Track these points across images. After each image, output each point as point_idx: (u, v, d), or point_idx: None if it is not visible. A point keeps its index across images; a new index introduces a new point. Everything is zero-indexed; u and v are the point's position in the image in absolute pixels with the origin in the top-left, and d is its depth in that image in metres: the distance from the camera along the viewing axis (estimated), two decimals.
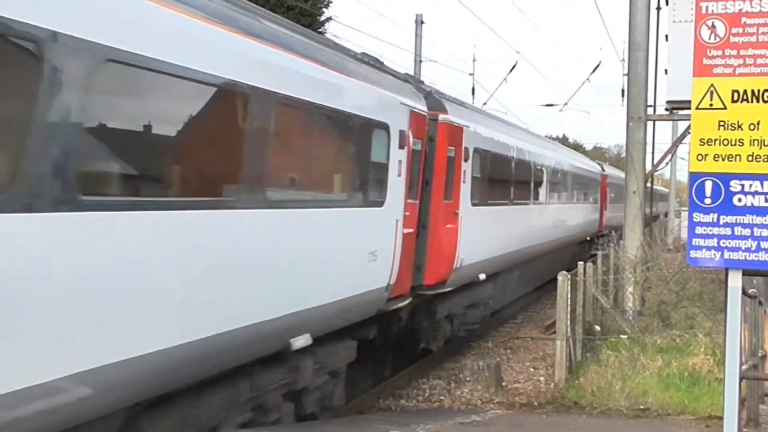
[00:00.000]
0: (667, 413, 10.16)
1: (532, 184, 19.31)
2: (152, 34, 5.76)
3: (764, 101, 5.59)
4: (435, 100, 12.83)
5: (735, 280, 5.72)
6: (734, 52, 5.67)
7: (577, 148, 61.52)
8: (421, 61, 30.95)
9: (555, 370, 12.16)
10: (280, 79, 7.53)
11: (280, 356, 7.96)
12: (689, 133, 6.28)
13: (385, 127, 10.13)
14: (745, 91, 5.62)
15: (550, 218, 21.75)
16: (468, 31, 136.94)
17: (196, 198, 6.43)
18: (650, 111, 17.78)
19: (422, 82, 14.41)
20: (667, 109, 17.51)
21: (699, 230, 5.69)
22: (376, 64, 11.48)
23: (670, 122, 25.08)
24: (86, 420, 5.34)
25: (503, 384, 12.56)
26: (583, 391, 11.02)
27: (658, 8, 18.47)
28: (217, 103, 6.75)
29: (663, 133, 52.86)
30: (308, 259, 8.24)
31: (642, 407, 10.37)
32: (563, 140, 68.34)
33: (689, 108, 6.00)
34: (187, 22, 6.22)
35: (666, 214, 45.34)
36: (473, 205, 13.99)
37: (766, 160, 5.58)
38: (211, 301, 6.56)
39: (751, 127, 5.60)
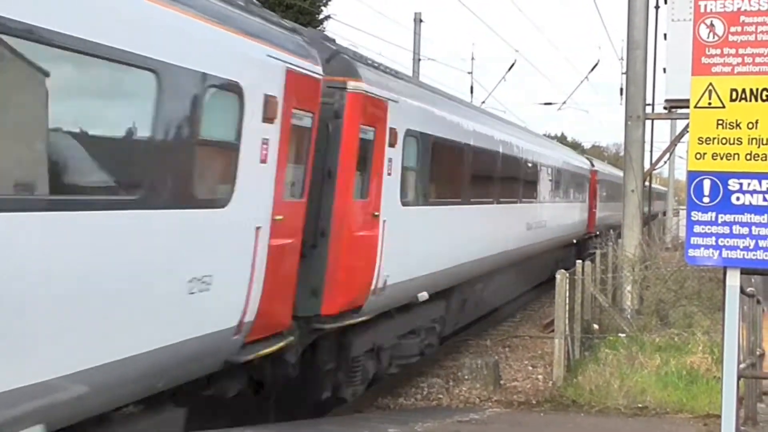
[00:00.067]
0: (666, 412, 10.17)
1: (499, 180, 16.19)
2: None
3: (762, 100, 5.59)
4: (343, 63, 9.58)
5: (733, 278, 5.72)
6: (733, 51, 5.67)
7: (576, 146, 61.48)
8: (419, 60, 30.95)
9: (553, 368, 12.17)
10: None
11: None
12: (688, 131, 6.28)
13: (233, 88, 6.91)
14: (743, 90, 5.62)
15: (524, 220, 18.56)
16: (467, 29, 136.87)
17: None
18: (649, 110, 17.81)
19: (332, 40, 10.52)
20: (665, 108, 17.54)
21: (697, 229, 5.70)
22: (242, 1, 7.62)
23: (669, 121, 25.13)
24: None
25: (501, 382, 12.57)
26: (582, 389, 11.03)
27: (657, 7, 18.50)
28: None
29: (661, 131, 53.27)
30: (50, 296, 5.03)
31: (640, 406, 10.38)
32: (562, 139, 68.31)
33: (688, 107, 6.02)
34: None
35: (664, 213, 45.33)
36: (405, 204, 10.90)
37: (764, 158, 5.58)
38: None
39: (750, 125, 5.61)
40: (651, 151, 21.26)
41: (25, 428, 4.94)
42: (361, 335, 10.33)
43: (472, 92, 36.88)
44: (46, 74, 5.08)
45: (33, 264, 4.89)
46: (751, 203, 5.60)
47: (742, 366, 6.75)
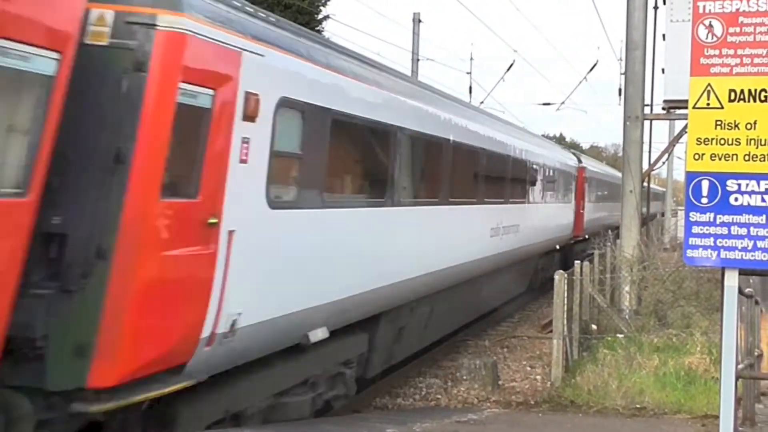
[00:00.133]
0: (664, 412, 10.17)
1: (450, 176, 12.72)
2: None
3: (761, 101, 5.60)
4: None
5: (731, 279, 5.73)
6: (731, 52, 5.68)
7: (575, 146, 61.46)
8: (418, 60, 30.96)
9: (551, 368, 12.17)
10: None
11: None
12: (686, 132, 6.28)
13: None
14: (742, 91, 5.63)
15: (487, 225, 15.03)
16: (466, 29, 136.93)
17: None
18: (647, 110, 17.81)
19: None
20: (664, 109, 17.55)
21: (696, 229, 5.70)
22: None
23: (667, 121, 25.13)
24: None
25: (500, 383, 12.57)
26: (580, 389, 11.03)
27: (656, 7, 18.48)
28: None
29: (660, 132, 53.31)
30: None
31: (638, 406, 10.37)
32: (560, 139, 68.32)
33: (686, 107, 6.01)
34: None
35: (663, 214, 45.35)
36: (278, 207, 7.66)
37: (762, 159, 5.59)
38: None
39: (748, 126, 5.62)
40: (650, 152, 21.33)
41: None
42: (200, 402, 7.10)
43: (470, 92, 36.90)
44: None
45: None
46: (749, 204, 5.61)
47: (740, 366, 6.76)
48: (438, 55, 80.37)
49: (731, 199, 5.63)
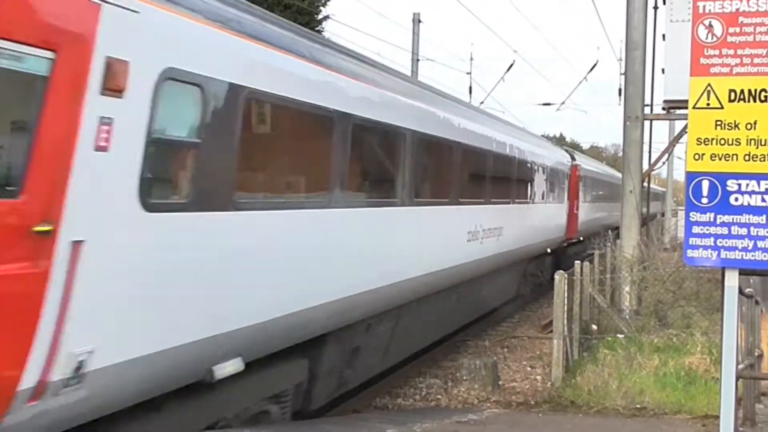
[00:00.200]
0: (664, 412, 10.17)
1: (412, 172, 10.84)
2: None
3: (761, 101, 5.60)
4: None
5: (732, 279, 5.73)
6: (731, 52, 5.68)
7: (575, 147, 61.41)
8: (418, 60, 30.96)
9: (552, 369, 12.17)
10: None
11: None
12: (686, 132, 6.28)
13: None
14: (742, 91, 5.63)
15: (463, 228, 13.25)
16: (466, 30, 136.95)
17: None
18: (647, 110, 17.82)
19: None
20: (664, 109, 17.56)
21: (696, 230, 5.70)
22: None
23: (667, 121, 25.13)
24: None
25: (500, 383, 12.56)
26: (580, 390, 11.03)
27: (656, 7, 18.48)
28: None
29: (660, 132, 53.41)
30: None
31: (638, 406, 10.37)
32: (561, 139, 68.32)
33: (686, 107, 6.01)
34: None
35: (663, 214, 45.36)
36: (158, 209, 5.93)
37: (762, 159, 5.59)
38: None
39: (748, 126, 5.61)
40: (650, 152, 21.29)
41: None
42: None
43: (470, 93, 36.91)
44: None
45: None
46: (749, 204, 5.61)
47: (740, 367, 6.75)
48: (438, 55, 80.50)
49: (731, 199, 5.63)
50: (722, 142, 5.65)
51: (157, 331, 5.94)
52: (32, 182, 4.85)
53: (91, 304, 5.24)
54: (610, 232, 23.50)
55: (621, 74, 29.34)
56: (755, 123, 5.60)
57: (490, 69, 79.72)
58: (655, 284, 15.44)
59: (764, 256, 5.58)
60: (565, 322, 12.39)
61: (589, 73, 36.82)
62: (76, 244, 5.11)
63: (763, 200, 5.58)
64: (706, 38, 5.73)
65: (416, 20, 31.05)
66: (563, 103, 38.26)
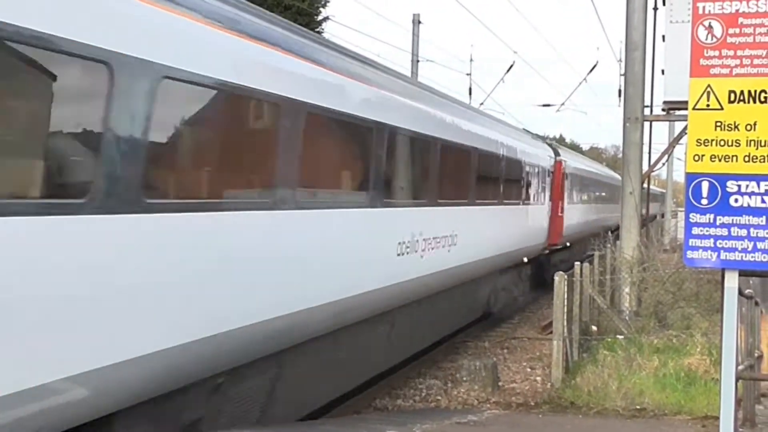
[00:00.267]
0: (664, 413, 10.17)
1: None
2: None
3: (761, 102, 5.59)
4: None
5: (732, 280, 5.73)
6: (731, 53, 5.67)
7: (575, 148, 61.41)
8: (418, 61, 30.96)
9: (552, 370, 12.17)
10: None
11: None
12: (686, 133, 6.28)
13: None
14: (741, 92, 5.63)
15: (389, 238, 10.09)
16: (465, 31, 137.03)
17: None
18: (647, 111, 17.82)
19: None
20: (663, 110, 17.58)
21: (696, 231, 5.70)
22: None
23: (667, 123, 25.12)
24: None
25: (500, 384, 12.56)
26: (580, 391, 11.03)
27: (655, 8, 18.50)
28: None
29: (660, 133, 53.44)
30: None
31: (638, 407, 10.38)
32: (560, 140, 68.32)
33: (686, 108, 6.00)
34: None
35: (662, 215, 45.35)
36: None
37: (762, 160, 5.58)
38: None
39: (748, 127, 5.61)
40: (649, 153, 21.27)
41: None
42: None
43: (470, 94, 36.92)
44: None
45: None
46: (749, 205, 5.60)
47: (740, 368, 6.75)
48: (438, 56, 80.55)
49: (731, 201, 5.63)
50: (722, 143, 5.64)
51: None
52: None
53: None
54: (610, 233, 23.26)
55: (621, 75, 29.39)
56: (755, 124, 5.59)
57: (490, 70, 79.88)
58: (655, 285, 15.44)
59: (764, 258, 5.57)
60: (565, 323, 12.39)
61: (588, 74, 36.77)
62: None
63: (763, 201, 5.58)
64: (706, 39, 5.73)
65: (416, 21, 31.05)
66: (563, 104, 38.26)
